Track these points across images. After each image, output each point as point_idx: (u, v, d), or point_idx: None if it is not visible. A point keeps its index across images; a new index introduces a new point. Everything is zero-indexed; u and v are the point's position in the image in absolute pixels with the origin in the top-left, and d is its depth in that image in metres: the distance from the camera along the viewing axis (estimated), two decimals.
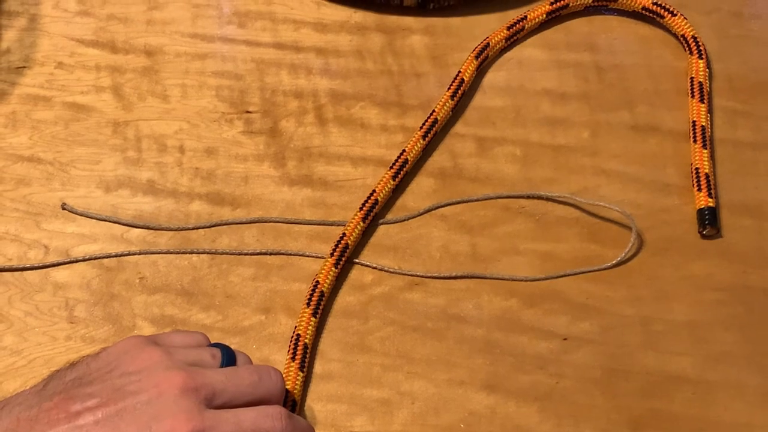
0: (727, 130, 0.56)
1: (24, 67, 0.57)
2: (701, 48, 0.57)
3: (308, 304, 0.48)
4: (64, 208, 0.52)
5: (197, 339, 0.43)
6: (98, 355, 0.39)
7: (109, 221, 0.52)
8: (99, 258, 0.51)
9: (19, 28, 0.59)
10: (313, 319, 0.48)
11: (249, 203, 0.53)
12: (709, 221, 0.52)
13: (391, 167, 0.53)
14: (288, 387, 0.46)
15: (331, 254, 0.50)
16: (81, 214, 0.52)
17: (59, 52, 0.58)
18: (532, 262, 0.51)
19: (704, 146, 0.54)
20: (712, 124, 0.56)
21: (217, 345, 0.42)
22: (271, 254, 0.51)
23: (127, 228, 0.52)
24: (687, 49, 0.58)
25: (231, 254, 0.51)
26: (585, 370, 0.48)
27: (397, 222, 0.52)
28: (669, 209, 0.53)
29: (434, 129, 0.55)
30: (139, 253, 0.51)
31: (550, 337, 0.49)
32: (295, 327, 0.48)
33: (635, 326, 0.49)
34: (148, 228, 0.52)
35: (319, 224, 0.52)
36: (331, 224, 0.52)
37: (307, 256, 0.51)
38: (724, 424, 0.46)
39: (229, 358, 0.41)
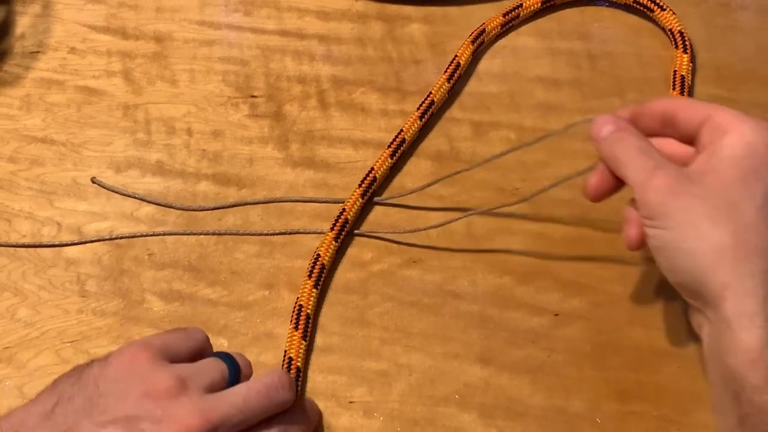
0: None
1: (38, 52, 0.59)
2: (687, 42, 0.58)
3: (310, 276, 0.49)
4: (93, 182, 0.54)
5: (199, 340, 0.42)
6: (105, 372, 0.38)
7: (135, 197, 0.53)
8: (114, 239, 0.52)
9: (33, 15, 0.60)
10: (314, 290, 0.49)
11: (254, 184, 0.54)
12: None
13: (389, 146, 0.54)
14: (292, 356, 0.47)
15: (332, 228, 0.51)
16: (109, 189, 0.53)
17: (72, 38, 0.59)
18: (525, 241, 0.52)
19: None
20: None
21: (219, 354, 0.42)
22: (274, 234, 0.52)
23: (136, 206, 0.53)
24: (673, 43, 0.59)
25: (237, 234, 0.52)
26: (575, 345, 0.49)
27: (395, 198, 0.53)
28: None
29: (431, 110, 0.56)
30: (152, 235, 0.52)
31: (542, 313, 0.50)
32: (297, 298, 0.49)
33: (624, 303, 0.50)
34: (171, 207, 0.53)
35: (321, 202, 0.53)
36: (333, 202, 0.53)
37: (309, 233, 0.52)
38: (708, 396, 0.46)
39: (235, 371, 0.41)
